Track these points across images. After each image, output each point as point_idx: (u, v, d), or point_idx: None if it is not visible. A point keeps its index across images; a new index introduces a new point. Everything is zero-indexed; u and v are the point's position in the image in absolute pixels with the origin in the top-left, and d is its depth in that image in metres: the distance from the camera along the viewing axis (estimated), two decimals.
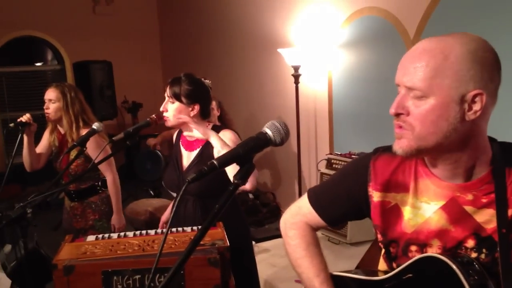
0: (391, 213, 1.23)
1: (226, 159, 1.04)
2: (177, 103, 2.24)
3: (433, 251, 1.16)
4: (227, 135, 2.25)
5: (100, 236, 2.00)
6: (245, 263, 2.38)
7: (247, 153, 1.06)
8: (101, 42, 7.16)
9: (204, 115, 2.32)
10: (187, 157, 2.34)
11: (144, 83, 7.40)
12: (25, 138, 2.91)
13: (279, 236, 4.42)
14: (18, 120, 2.82)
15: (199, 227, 2.02)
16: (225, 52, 6.24)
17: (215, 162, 1.03)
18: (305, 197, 1.40)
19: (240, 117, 5.85)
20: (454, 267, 1.05)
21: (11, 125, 2.84)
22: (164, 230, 2.10)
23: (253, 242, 3.86)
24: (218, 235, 1.94)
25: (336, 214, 1.35)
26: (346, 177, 1.34)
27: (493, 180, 1.11)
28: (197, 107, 2.26)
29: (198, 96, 2.27)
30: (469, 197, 1.12)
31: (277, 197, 5.52)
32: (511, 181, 1.10)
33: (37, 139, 3.08)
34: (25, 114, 2.87)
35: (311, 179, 4.85)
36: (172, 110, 2.25)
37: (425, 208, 1.17)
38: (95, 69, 6.40)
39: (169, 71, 7.67)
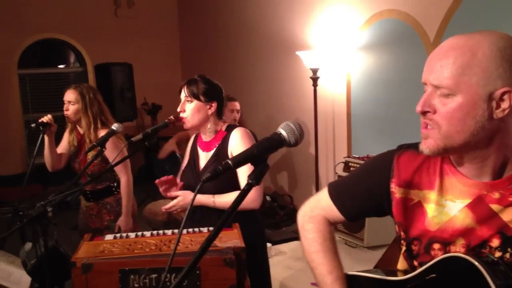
0: (414, 210, 1.22)
1: (241, 159, 1.05)
2: (195, 102, 2.28)
3: (456, 250, 1.15)
4: (238, 133, 2.28)
5: (118, 235, 2.03)
6: (259, 263, 2.38)
7: (261, 153, 1.07)
8: (122, 44, 7.26)
9: (219, 115, 2.36)
10: (205, 158, 2.37)
11: (164, 85, 7.47)
12: (46, 138, 2.96)
13: (296, 238, 4.42)
14: (40, 120, 2.88)
15: (196, 229, 2.04)
16: (244, 55, 6.27)
17: (229, 162, 1.03)
18: (325, 191, 1.40)
19: (258, 119, 5.86)
20: (480, 267, 1.03)
21: (33, 125, 2.89)
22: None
23: (270, 244, 3.87)
24: (234, 236, 1.95)
25: (356, 210, 1.34)
26: (369, 172, 1.33)
27: None
28: (214, 105, 2.31)
29: (214, 95, 2.33)
30: (496, 195, 1.11)
31: (294, 200, 5.51)
32: None
33: (57, 140, 3.13)
34: (46, 115, 2.92)
35: (329, 182, 4.82)
36: (190, 109, 2.29)
37: (450, 206, 1.16)
38: (116, 71, 6.48)
39: (188, 74, 7.68)
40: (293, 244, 4.01)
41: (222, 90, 2.38)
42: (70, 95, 2.98)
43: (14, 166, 6.75)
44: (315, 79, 4.56)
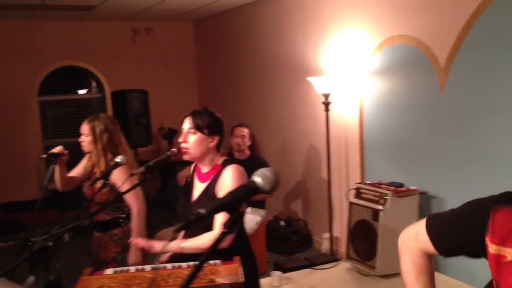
0: (506, 267, 1.20)
1: (215, 208, 1.06)
2: (198, 134, 2.30)
3: None
4: (230, 173, 2.27)
5: (118, 269, 2.03)
6: None
7: (235, 201, 1.07)
8: (140, 71, 7.38)
9: (218, 149, 2.39)
10: (198, 189, 2.38)
11: (181, 110, 7.44)
12: (57, 167, 3.01)
13: (307, 266, 4.34)
14: (50, 151, 2.93)
15: (196, 263, 2.01)
16: (258, 80, 6.31)
17: (203, 211, 1.04)
18: (423, 223, 1.40)
19: (272, 144, 5.86)
20: None
21: (44, 156, 2.94)
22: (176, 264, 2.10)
23: (280, 273, 3.83)
24: (233, 270, 1.93)
25: (451, 249, 1.35)
26: (467, 217, 1.32)
27: None
28: (216, 139, 2.34)
29: (217, 129, 2.35)
30: None
31: (308, 225, 5.46)
32: None
33: (73, 165, 3.18)
34: (57, 146, 2.98)
35: (342, 208, 4.77)
36: (193, 141, 2.31)
37: None
38: (132, 98, 6.57)
39: (204, 98, 7.81)
40: (304, 271, 3.96)
41: (224, 125, 2.41)
42: (84, 127, 3.02)
43: (33, 192, 6.86)
44: (327, 104, 4.56)
